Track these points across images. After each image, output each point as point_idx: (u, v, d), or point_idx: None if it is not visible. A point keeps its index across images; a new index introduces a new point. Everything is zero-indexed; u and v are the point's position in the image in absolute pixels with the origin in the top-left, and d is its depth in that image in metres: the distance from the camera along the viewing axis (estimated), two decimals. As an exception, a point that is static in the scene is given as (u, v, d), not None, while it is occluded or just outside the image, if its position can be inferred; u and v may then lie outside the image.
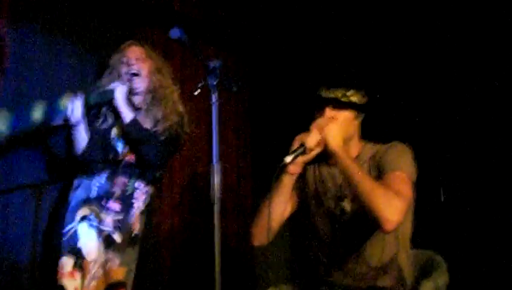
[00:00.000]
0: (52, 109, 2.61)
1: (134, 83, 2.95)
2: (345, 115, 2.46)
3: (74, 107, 2.70)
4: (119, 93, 2.85)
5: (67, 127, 2.80)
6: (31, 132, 2.86)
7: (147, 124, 2.91)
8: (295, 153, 2.32)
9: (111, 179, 2.83)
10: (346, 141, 2.41)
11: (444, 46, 3.65)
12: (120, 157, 2.87)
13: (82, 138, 2.83)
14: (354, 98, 2.48)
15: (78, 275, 2.65)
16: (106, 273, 2.68)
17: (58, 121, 2.69)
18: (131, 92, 2.96)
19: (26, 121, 2.51)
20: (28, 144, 3.09)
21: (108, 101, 2.85)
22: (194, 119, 3.25)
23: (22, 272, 3.04)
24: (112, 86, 2.88)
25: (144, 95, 3.01)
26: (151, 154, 2.84)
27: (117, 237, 2.74)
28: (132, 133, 2.83)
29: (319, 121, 2.40)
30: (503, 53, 3.35)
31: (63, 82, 3.33)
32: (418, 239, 2.58)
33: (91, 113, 2.95)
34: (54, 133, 3.03)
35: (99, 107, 2.91)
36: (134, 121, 2.83)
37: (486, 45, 3.42)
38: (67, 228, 2.76)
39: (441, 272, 2.49)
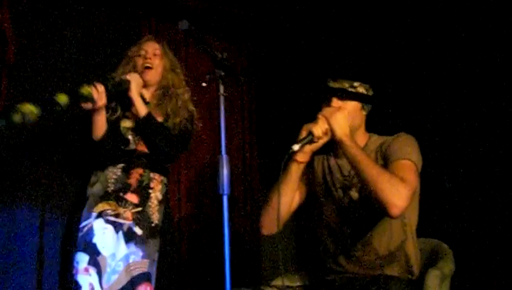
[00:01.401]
0: (75, 95, 2.61)
1: (147, 76, 2.97)
2: (352, 105, 2.49)
3: (100, 92, 2.69)
4: (135, 84, 2.87)
5: (90, 113, 2.79)
6: (59, 117, 2.87)
7: (159, 117, 2.92)
8: (303, 142, 2.33)
9: (127, 170, 2.85)
10: (352, 132, 2.43)
11: (447, 39, 3.65)
12: (132, 148, 2.89)
13: (103, 123, 2.83)
14: (361, 89, 2.50)
15: (93, 271, 2.67)
16: (129, 266, 2.70)
17: (83, 107, 2.70)
18: (144, 85, 2.98)
19: (52, 109, 2.51)
20: (55, 132, 3.13)
21: (123, 91, 2.85)
22: (200, 112, 3.25)
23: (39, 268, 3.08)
24: (128, 76, 2.89)
25: (155, 91, 3.03)
26: (163, 147, 2.86)
27: (138, 230, 2.76)
28: (146, 127, 2.85)
29: (326, 110, 2.42)
30: (505, 43, 3.34)
31: (69, 75, 3.35)
32: (424, 228, 2.60)
33: None
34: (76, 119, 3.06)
35: (110, 99, 2.91)
36: (149, 115, 2.85)
37: (490, 37, 3.42)
38: (83, 224, 2.78)
39: (447, 261, 2.51)
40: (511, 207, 3.22)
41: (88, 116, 2.81)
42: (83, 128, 2.89)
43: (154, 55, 3.01)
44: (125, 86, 2.84)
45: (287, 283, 2.65)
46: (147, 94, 3.01)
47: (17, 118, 2.38)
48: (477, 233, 3.34)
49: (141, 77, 2.96)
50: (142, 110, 2.86)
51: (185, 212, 3.92)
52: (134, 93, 2.86)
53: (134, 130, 2.90)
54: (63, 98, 2.53)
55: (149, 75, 2.98)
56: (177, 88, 3.04)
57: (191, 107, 3.06)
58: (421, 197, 2.52)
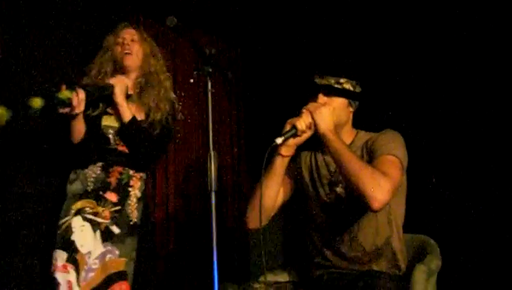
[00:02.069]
0: (53, 100, 2.57)
1: (127, 61, 2.93)
2: (338, 102, 2.50)
3: (80, 99, 2.64)
4: (119, 88, 2.83)
5: (67, 118, 2.74)
6: (32, 121, 2.84)
7: (140, 112, 2.89)
8: (286, 135, 2.34)
9: (106, 168, 2.81)
10: (338, 128, 2.45)
11: (434, 34, 3.66)
12: (112, 146, 2.85)
13: (81, 127, 2.79)
14: (347, 86, 2.51)
15: (71, 269, 2.63)
16: (105, 264, 2.67)
17: (60, 111, 2.66)
18: (123, 71, 2.94)
19: (25, 112, 2.48)
20: (29, 137, 3.10)
21: (106, 95, 2.81)
22: (187, 106, 3.24)
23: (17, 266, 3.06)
24: (111, 80, 2.85)
25: (136, 78, 2.98)
26: (146, 149, 2.84)
27: (115, 229, 2.73)
28: (130, 132, 2.82)
29: (311, 105, 2.43)
30: (493, 40, 3.36)
31: (56, 70, 3.32)
32: (411, 224, 2.61)
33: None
34: (51, 124, 3.03)
35: (93, 104, 2.87)
36: (133, 120, 2.81)
37: (477, 33, 3.43)
38: (61, 221, 2.73)
39: (433, 256, 2.52)
40: (498, 202, 3.24)
41: (66, 119, 2.76)
42: (62, 129, 2.85)
43: (132, 41, 2.96)
44: (108, 90, 2.80)
45: (275, 278, 2.66)
46: (129, 82, 2.95)
47: None
48: (463, 229, 3.36)
49: (121, 63, 2.92)
50: (126, 115, 2.82)
51: (173, 208, 3.92)
52: (119, 98, 2.82)
53: (118, 132, 2.86)
54: (37, 103, 2.49)
55: (129, 61, 2.93)
56: (159, 74, 3.00)
57: (172, 95, 3.02)
58: (408, 193, 2.53)
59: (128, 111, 2.84)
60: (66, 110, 2.64)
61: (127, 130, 2.82)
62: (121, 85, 2.85)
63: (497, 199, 3.25)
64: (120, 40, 2.96)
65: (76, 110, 2.65)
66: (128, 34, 2.98)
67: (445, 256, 2.57)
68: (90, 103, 2.74)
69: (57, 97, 2.58)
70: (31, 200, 3.15)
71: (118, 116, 2.85)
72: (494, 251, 3.22)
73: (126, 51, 2.93)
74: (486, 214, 3.29)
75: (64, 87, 2.61)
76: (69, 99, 2.60)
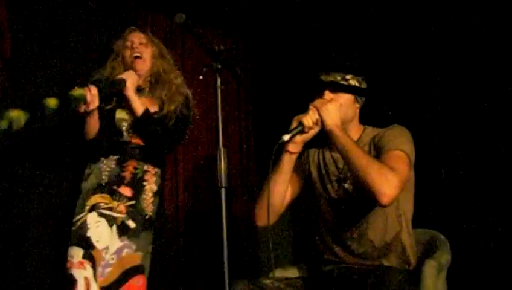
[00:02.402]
0: (67, 98, 2.60)
1: (138, 65, 2.97)
2: (344, 98, 2.50)
3: (92, 95, 2.67)
4: (131, 82, 2.85)
5: (83, 115, 2.77)
6: (48, 122, 2.85)
7: (154, 105, 2.92)
8: (293, 132, 2.34)
9: (121, 162, 2.83)
10: (345, 124, 2.45)
11: (440, 29, 3.65)
12: (126, 139, 2.88)
13: (95, 124, 2.81)
14: (353, 82, 2.52)
15: (87, 265, 2.65)
16: (122, 259, 2.70)
17: (75, 109, 2.68)
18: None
19: (42, 113, 2.50)
20: (44, 136, 3.12)
21: (118, 90, 2.83)
22: (197, 104, 3.25)
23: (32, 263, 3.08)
24: (123, 75, 2.87)
25: (147, 79, 3.03)
26: (162, 141, 2.87)
27: (131, 223, 2.75)
28: (144, 125, 2.84)
29: (317, 101, 2.43)
30: (498, 35, 3.35)
31: (64, 69, 3.34)
32: (420, 219, 2.61)
33: None
34: (66, 121, 3.05)
35: (106, 99, 2.89)
36: (146, 113, 2.84)
37: (482, 28, 3.42)
38: (76, 218, 2.75)
39: (443, 251, 2.52)
40: (507, 197, 3.24)
41: (81, 116, 2.78)
42: (76, 127, 2.87)
43: (141, 44, 3.02)
44: (120, 85, 2.82)
45: (285, 274, 2.67)
46: (140, 82, 3.00)
47: (3, 124, 2.38)
48: (473, 223, 3.35)
49: (132, 67, 2.96)
50: (139, 108, 2.84)
51: (183, 205, 3.92)
52: (130, 91, 2.84)
53: (132, 125, 2.88)
54: (52, 102, 2.52)
55: (139, 65, 2.98)
56: (169, 73, 3.04)
57: (185, 90, 3.06)
58: (417, 188, 2.52)
59: (140, 104, 2.86)
60: (82, 108, 2.67)
61: (142, 122, 2.84)
62: (132, 79, 2.87)
63: (507, 193, 3.24)
64: (129, 43, 3.02)
65: (91, 106, 2.69)
66: (137, 38, 3.03)
67: (455, 251, 2.56)
68: (103, 98, 2.77)
69: (70, 95, 2.61)
70: (46, 197, 3.18)
71: (131, 110, 2.88)
72: (504, 245, 3.21)
73: (135, 54, 2.98)
74: (495, 208, 3.28)
75: (76, 87, 2.64)
76: (83, 96, 2.64)
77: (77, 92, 2.62)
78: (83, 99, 2.64)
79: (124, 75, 2.87)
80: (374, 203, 2.25)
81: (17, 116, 2.41)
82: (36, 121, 2.57)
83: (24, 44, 3.22)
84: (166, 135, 2.88)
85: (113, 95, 2.87)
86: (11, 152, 3.06)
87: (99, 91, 2.69)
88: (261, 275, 2.83)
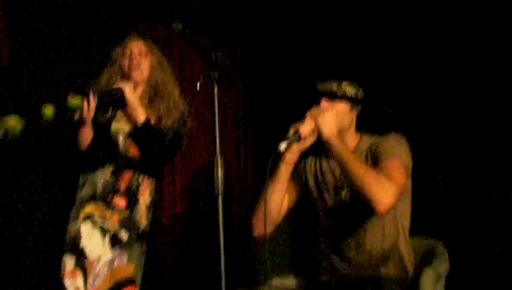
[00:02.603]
0: (64, 107, 2.59)
1: (135, 75, 2.93)
2: (341, 107, 2.50)
3: (90, 104, 2.65)
4: (129, 92, 2.81)
5: (76, 125, 2.75)
6: (44, 130, 2.84)
7: (151, 117, 2.88)
8: (289, 141, 2.34)
9: (116, 173, 2.80)
10: (342, 132, 2.45)
11: (437, 37, 3.66)
12: (122, 151, 2.85)
13: (88, 135, 2.80)
14: (349, 90, 2.52)
15: (79, 275, 2.63)
16: (113, 271, 2.67)
17: (71, 119, 2.67)
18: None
19: (38, 121, 2.49)
20: (40, 144, 3.11)
21: (116, 100, 2.80)
22: (194, 112, 3.24)
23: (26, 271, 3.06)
24: (119, 84, 2.85)
25: (143, 90, 2.99)
26: (159, 153, 2.83)
27: (123, 235, 2.72)
28: (144, 135, 2.81)
29: (314, 110, 2.43)
30: (497, 41, 3.36)
31: (63, 77, 3.33)
32: (418, 227, 2.61)
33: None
34: (59, 131, 3.04)
35: (104, 109, 2.88)
36: (147, 123, 2.80)
37: (480, 36, 3.43)
38: (70, 228, 2.74)
39: (441, 260, 2.51)
40: (506, 206, 3.23)
41: (75, 126, 2.77)
42: (70, 136, 2.86)
43: (140, 54, 2.96)
44: (117, 94, 2.79)
45: (282, 283, 2.66)
46: (137, 94, 2.94)
47: None
48: (472, 231, 3.34)
49: (129, 77, 2.92)
50: (140, 116, 2.81)
51: (180, 213, 3.92)
52: (131, 97, 2.81)
53: (129, 134, 2.86)
54: (49, 111, 2.51)
55: (137, 75, 2.93)
56: (167, 85, 2.99)
57: (182, 105, 3.02)
58: (415, 195, 2.52)
59: (142, 112, 2.82)
60: (77, 116, 2.66)
61: (141, 132, 2.81)
62: (130, 87, 2.84)
63: (506, 201, 3.24)
64: (127, 52, 2.96)
65: (87, 117, 2.68)
66: (136, 47, 2.97)
67: (453, 259, 2.56)
68: (99, 108, 2.75)
69: (68, 104, 2.60)
70: (40, 205, 3.16)
71: (130, 118, 2.85)
72: (503, 254, 3.20)
73: (133, 65, 2.93)
74: (494, 216, 3.27)
75: (73, 94, 2.63)
76: (80, 105, 2.63)
77: (74, 101, 2.60)
78: (79, 109, 2.63)
79: (120, 84, 2.85)
80: (371, 211, 2.25)
81: (13, 124, 2.40)
82: (32, 129, 2.56)
83: (21, 52, 3.21)
84: (161, 150, 2.85)
85: (110, 104, 2.84)
86: (5, 160, 3.04)
87: (99, 99, 2.68)
88: (258, 284, 2.81)
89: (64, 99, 2.61)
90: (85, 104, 2.63)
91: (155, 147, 2.82)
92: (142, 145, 2.84)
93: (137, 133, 2.83)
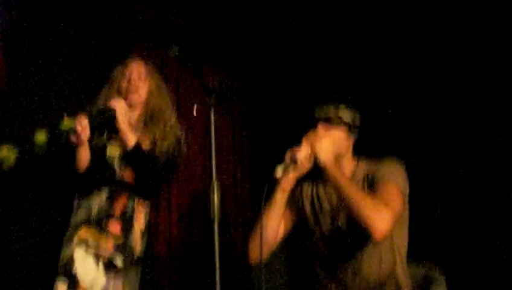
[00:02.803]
0: (57, 131, 2.58)
1: (132, 99, 2.90)
2: (338, 133, 2.50)
3: (83, 125, 2.65)
4: (120, 113, 2.79)
5: (72, 147, 2.73)
6: (38, 156, 2.82)
7: (145, 143, 2.86)
8: (285, 167, 2.35)
9: (111, 199, 2.78)
10: (338, 158, 2.45)
11: (435, 63, 3.68)
12: (118, 176, 2.83)
13: (86, 156, 2.78)
14: (346, 116, 2.52)
15: None
16: None
17: (64, 141, 2.66)
18: (128, 107, 2.90)
19: (31, 147, 2.48)
20: (34, 169, 3.09)
21: (109, 119, 2.79)
22: (190, 138, 3.24)
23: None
24: (113, 103, 2.82)
25: (140, 114, 2.97)
26: (151, 177, 2.81)
27: (118, 261, 2.68)
28: (134, 158, 2.79)
29: (310, 136, 2.43)
30: (494, 73, 3.39)
31: (61, 100, 3.33)
32: (416, 253, 2.59)
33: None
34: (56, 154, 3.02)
35: (97, 128, 2.88)
36: (137, 146, 2.78)
37: (476, 65, 3.46)
38: (64, 253, 2.71)
39: (439, 286, 2.50)
40: (503, 233, 3.23)
41: (72, 148, 2.76)
42: (67, 158, 2.84)
43: (139, 77, 2.93)
44: (110, 114, 2.77)
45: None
46: (133, 117, 2.93)
47: None
48: (469, 259, 3.34)
49: (126, 100, 2.89)
50: (130, 140, 2.78)
51: (176, 238, 3.90)
52: (121, 122, 2.78)
53: (122, 157, 2.84)
54: (41, 137, 2.51)
55: (134, 98, 2.90)
56: (164, 111, 2.96)
57: (178, 131, 2.98)
58: (412, 222, 2.51)
59: (132, 136, 2.80)
60: (72, 139, 2.65)
61: (131, 156, 2.80)
62: (121, 108, 2.81)
63: (503, 228, 3.24)
64: (127, 74, 2.94)
65: (83, 137, 2.66)
66: (135, 70, 2.95)
67: (451, 286, 2.54)
68: (94, 128, 2.74)
69: (59, 128, 2.59)
70: (34, 229, 3.14)
71: (122, 142, 2.83)
72: (500, 280, 3.19)
73: (131, 88, 2.91)
74: (492, 243, 3.27)
75: (65, 117, 2.62)
76: (71, 127, 2.62)
77: (66, 123, 2.60)
78: (73, 130, 2.62)
79: (113, 104, 2.82)
80: (368, 238, 2.25)
81: (7, 154, 2.40)
82: (26, 156, 2.55)
83: (18, 75, 3.21)
84: (156, 174, 2.82)
85: (103, 124, 2.82)
86: (1, 185, 3.03)
87: (90, 121, 2.67)
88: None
89: (57, 122, 2.60)
90: (78, 124, 2.62)
91: (146, 171, 2.79)
92: (134, 169, 2.82)
93: (128, 156, 2.81)
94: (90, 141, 2.77)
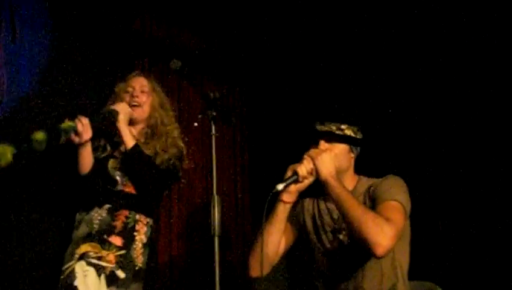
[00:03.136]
0: (56, 129, 2.57)
1: (134, 114, 2.92)
2: (339, 148, 2.50)
3: (84, 124, 2.65)
4: (123, 115, 2.81)
5: (74, 147, 2.73)
6: (36, 153, 2.79)
7: (147, 152, 2.87)
8: (287, 181, 2.33)
9: (112, 211, 2.78)
10: (340, 174, 2.44)
11: (436, 81, 3.69)
12: (119, 188, 2.83)
13: (89, 158, 2.79)
14: (348, 132, 2.52)
15: None
16: None
17: (64, 140, 2.65)
18: (131, 122, 2.92)
19: (29, 144, 2.46)
20: (34, 171, 3.08)
21: (111, 122, 2.80)
22: (192, 151, 3.23)
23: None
24: (116, 106, 2.84)
25: (142, 128, 2.99)
26: (149, 181, 2.81)
27: (120, 273, 2.67)
28: (133, 158, 2.79)
29: (312, 151, 2.43)
30: (493, 84, 3.39)
31: (63, 114, 3.32)
32: (417, 271, 2.57)
33: (92, 145, 2.91)
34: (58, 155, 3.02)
35: (99, 137, 2.88)
36: (136, 146, 2.80)
37: (476, 78, 3.46)
38: (65, 266, 2.70)
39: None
40: (505, 251, 3.21)
41: (74, 152, 2.76)
42: (69, 165, 2.84)
43: (142, 92, 2.96)
44: (112, 116, 2.79)
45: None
46: (134, 131, 2.95)
47: None
48: (470, 277, 3.32)
49: (131, 115, 2.91)
50: (129, 141, 2.80)
51: (177, 253, 3.88)
52: (121, 123, 2.80)
53: (121, 168, 2.85)
54: (39, 135, 2.50)
55: (136, 113, 2.92)
56: (166, 125, 2.98)
57: (181, 144, 3.00)
58: (414, 239, 2.50)
59: (131, 138, 2.82)
60: (74, 138, 2.64)
61: (130, 156, 2.80)
62: (124, 111, 2.84)
63: (505, 246, 3.22)
64: (130, 89, 2.96)
65: (84, 136, 2.66)
66: (138, 84, 2.98)
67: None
68: (97, 132, 2.75)
69: (59, 127, 2.58)
70: (35, 244, 3.12)
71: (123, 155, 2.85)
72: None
73: (134, 103, 2.93)
74: (493, 261, 3.25)
75: (66, 119, 2.62)
76: (71, 126, 2.62)
77: (66, 124, 2.60)
78: (73, 130, 2.62)
79: (116, 107, 2.84)
80: (369, 254, 2.22)
81: (3, 150, 2.37)
82: (24, 154, 2.52)
83: (19, 90, 3.21)
84: (155, 176, 2.82)
85: (106, 127, 2.84)
86: (2, 197, 3.02)
87: (92, 122, 2.67)
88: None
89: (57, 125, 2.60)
90: (78, 124, 2.63)
91: (145, 173, 2.79)
92: (132, 171, 2.82)
93: (127, 158, 2.82)
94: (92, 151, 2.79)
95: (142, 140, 2.94)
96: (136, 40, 3.82)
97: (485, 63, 3.44)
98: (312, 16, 4.15)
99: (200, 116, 2.29)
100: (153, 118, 2.98)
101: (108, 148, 2.93)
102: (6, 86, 3.08)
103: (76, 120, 2.64)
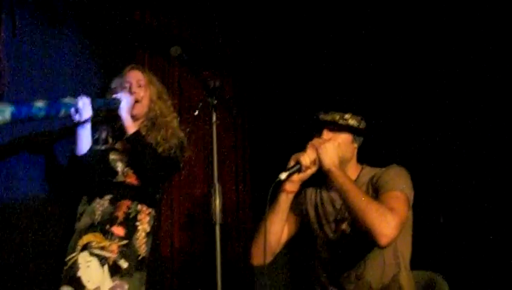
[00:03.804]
0: (56, 102, 2.56)
1: (134, 110, 2.91)
2: (343, 138, 2.49)
3: (84, 104, 2.62)
4: (126, 103, 2.81)
5: (73, 126, 2.72)
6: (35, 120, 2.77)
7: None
8: (290, 171, 2.33)
9: (114, 202, 2.78)
10: (343, 164, 2.43)
11: (441, 70, 3.68)
12: (120, 179, 2.84)
13: (87, 140, 2.78)
14: (352, 121, 2.51)
15: None
16: None
17: (64, 114, 2.63)
18: (131, 118, 2.91)
19: (28, 110, 2.43)
20: (33, 148, 3.07)
21: (113, 109, 2.80)
22: (192, 141, 3.23)
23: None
24: (118, 95, 2.84)
25: (143, 122, 2.99)
26: (150, 168, 2.79)
27: (123, 263, 2.68)
28: (134, 145, 2.79)
29: (316, 140, 2.43)
30: (496, 80, 3.39)
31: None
32: (419, 261, 2.57)
33: (93, 138, 2.88)
34: (57, 135, 3.02)
35: (100, 127, 2.88)
36: (138, 133, 2.80)
37: (481, 75, 3.46)
38: (68, 257, 2.71)
39: (442, 291, 2.48)
40: (506, 239, 3.21)
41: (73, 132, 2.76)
42: (73, 166, 2.84)
43: (139, 86, 2.95)
44: (115, 104, 2.79)
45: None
46: (136, 126, 2.92)
47: None
48: (472, 266, 3.33)
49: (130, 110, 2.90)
50: (131, 127, 2.80)
51: (178, 242, 3.89)
52: (124, 111, 2.80)
53: (122, 159, 2.85)
54: (39, 104, 2.47)
55: (136, 109, 2.92)
56: (166, 116, 2.99)
57: (181, 134, 3.01)
58: (415, 229, 2.50)
59: (133, 125, 2.82)
60: (74, 116, 2.62)
61: (132, 142, 2.80)
62: (126, 100, 2.83)
63: (506, 234, 3.22)
64: (127, 85, 2.95)
65: (84, 114, 2.63)
66: (135, 79, 2.97)
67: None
68: (101, 121, 2.77)
69: (60, 101, 2.57)
70: (38, 235, 3.12)
71: (124, 148, 2.86)
72: (503, 287, 3.18)
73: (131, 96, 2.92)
74: (494, 250, 3.26)
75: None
76: (73, 102, 2.60)
77: (67, 99, 2.58)
78: (74, 106, 2.59)
79: (119, 96, 2.84)
80: (372, 244, 2.23)
81: (1, 108, 2.33)
82: (22, 118, 2.48)
83: (18, 84, 3.20)
84: (156, 162, 2.81)
85: (108, 114, 2.85)
86: (6, 186, 3.02)
87: (93, 104, 2.65)
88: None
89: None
90: (79, 101, 2.60)
91: (146, 159, 2.78)
92: (133, 157, 2.82)
93: (128, 142, 2.82)
94: (92, 147, 2.79)
95: (143, 133, 2.93)
96: (136, 31, 3.81)
97: (493, 53, 3.43)
98: (315, 3, 4.14)
99: (200, 104, 2.29)
100: (153, 111, 2.98)
101: (110, 140, 2.94)
102: (7, 78, 3.07)
103: (78, 98, 2.62)
